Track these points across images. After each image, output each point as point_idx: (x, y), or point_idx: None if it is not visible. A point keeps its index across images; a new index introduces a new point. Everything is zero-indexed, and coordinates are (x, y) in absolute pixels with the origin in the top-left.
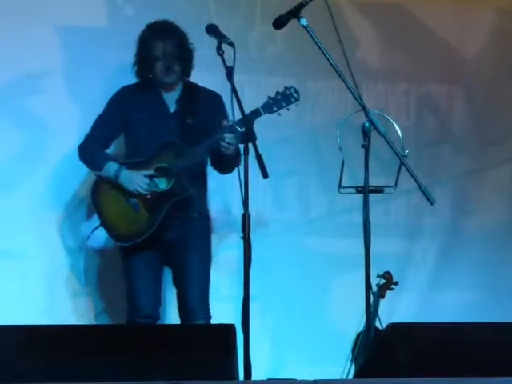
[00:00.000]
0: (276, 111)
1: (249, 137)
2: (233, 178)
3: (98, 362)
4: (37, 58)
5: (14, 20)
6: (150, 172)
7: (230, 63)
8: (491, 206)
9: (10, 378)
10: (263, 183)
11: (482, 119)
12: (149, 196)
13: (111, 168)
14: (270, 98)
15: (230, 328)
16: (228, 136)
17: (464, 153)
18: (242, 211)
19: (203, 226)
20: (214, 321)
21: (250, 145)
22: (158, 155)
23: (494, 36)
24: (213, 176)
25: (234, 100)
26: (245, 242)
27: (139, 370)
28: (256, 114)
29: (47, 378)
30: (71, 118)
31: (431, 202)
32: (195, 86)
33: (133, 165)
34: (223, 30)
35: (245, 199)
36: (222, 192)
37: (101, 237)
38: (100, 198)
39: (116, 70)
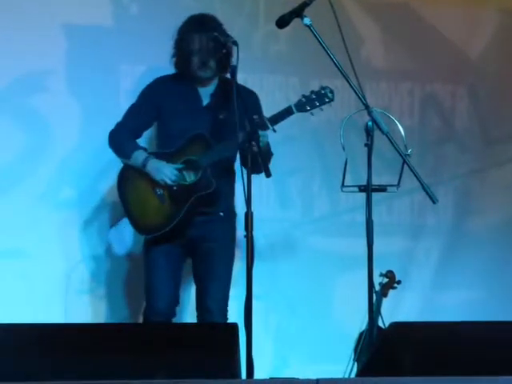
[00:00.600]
0: (309, 110)
1: (252, 136)
2: (236, 177)
3: (101, 361)
4: (40, 57)
5: (18, 19)
6: (179, 164)
7: (233, 62)
8: (494, 206)
9: (18, 376)
10: (266, 182)
11: (486, 119)
12: (175, 188)
13: (139, 156)
14: (303, 96)
15: (232, 327)
16: (261, 134)
17: (467, 152)
18: (245, 210)
19: (229, 226)
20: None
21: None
22: (187, 148)
23: (498, 36)
24: None
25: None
26: (247, 241)
27: (142, 369)
28: (288, 112)
29: (49, 376)
30: (74, 117)
31: (434, 201)
32: (232, 82)
33: (161, 155)
34: (227, 29)
35: (248, 198)
36: None
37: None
38: (126, 185)
39: (120, 69)
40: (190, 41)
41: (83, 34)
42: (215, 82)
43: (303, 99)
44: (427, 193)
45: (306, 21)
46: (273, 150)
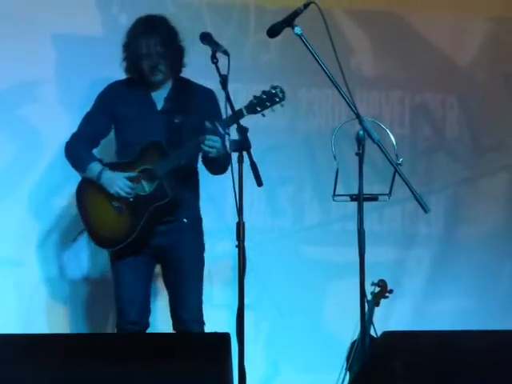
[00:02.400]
0: (260, 111)
1: (243, 145)
2: (227, 186)
3: (88, 371)
4: (30, 67)
5: (8, 28)
6: (133, 174)
7: (224, 72)
8: (486, 214)
9: None
10: (257, 191)
11: (477, 127)
12: (131, 199)
13: (94, 168)
14: (254, 97)
15: (224, 336)
16: (210, 138)
17: (458, 161)
18: (237, 219)
19: (194, 232)
20: (208, 329)
21: (245, 153)
22: (143, 156)
23: (488, 44)
24: (207, 184)
25: (228, 108)
26: (239, 251)
27: (133, 379)
28: (239, 114)
29: None
30: (64, 127)
31: (426, 210)
32: (187, 83)
33: (118, 166)
34: (217, 38)
35: (239, 207)
36: (215, 200)
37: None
38: (84, 199)
39: (110, 79)
40: (138, 44)
41: (73, 43)
42: (169, 84)
43: (254, 100)
44: (419, 202)
45: (297, 30)
46: (264, 158)
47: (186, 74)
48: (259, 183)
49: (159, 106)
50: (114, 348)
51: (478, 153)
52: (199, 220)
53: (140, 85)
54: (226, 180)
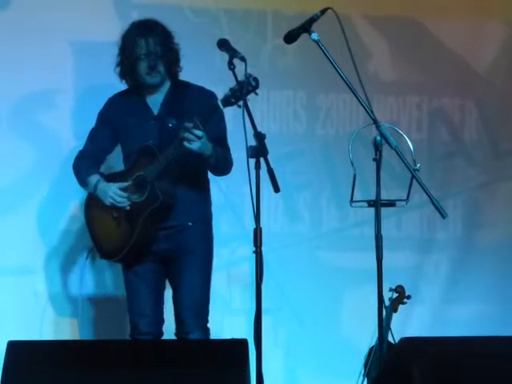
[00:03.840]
0: (235, 103)
1: (260, 151)
2: (245, 192)
3: (108, 377)
4: (48, 74)
5: (26, 36)
6: (126, 183)
7: (241, 78)
8: (504, 219)
9: None
10: (275, 197)
11: (495, 132)
12: (128, 208)
13: (91, 182)
14: (230, 89)
15: (242, 343)
16: (188, 132)
17: (476, 166)
18: (254, 225)
19: (200, 234)
20: (226, 335)
21: (262, 159)
22: (137, 163)
23: (506, 48)
24: (225, 190)
25: (246, 114)
26: (257, 256)
27: None
28: (215, 108)
29: None
30: (82, 134)
31: (443, 215)
32: (185, 86)
33: (114, 176)
34: (234, 44)
35: (256, 213)
36: (233, 206)
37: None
38: (90, 213)
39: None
40: (136, 45)
41: (91, 50)
42: (165, 88)
43: (229, 92)
44: (436, 207)
45: (314, 36)
46: (281, 164)
47: (202, 80)
48: (276, 189)
49: (155, 111)
50: (131, 354)
51: (496, 157)
52: (208, 224)
53: (137, 92)
54: (244, 186)
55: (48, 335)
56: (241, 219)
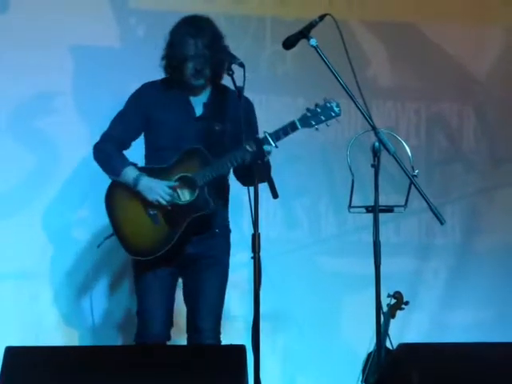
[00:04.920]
0: (314, 126)
1: (259, 156)
2: (243, 197)
3: (109, 383)
4: (48, 79)
5: (26, 40)
6: (173, 182)
7: (239, 83)
8: (502, 225)
9: None
10: (273, 203)
11: (493, 138)
12: (169, 208)
13: (130, 174)
14: (308, 110)
15: (240, 348)
16: (266, 144)
17: (475, 172)
18: (252, 231)
19: (224, 243)
20: (224, 341)
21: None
22: (182, 163)
23: (504, 54)
24: None
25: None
26: (255, 262)
27: None
28: (292, 127)
29: None
30: (82, 139)
31: (441, 221)
32: (226, 90)
33: (154, 171)
34: (233, 49)
35: (255, 219)
36: (232, 211)
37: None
38: (116, 204)
39: (128, 90)
40: (185, 44)
41: (90, 55)
42: (208, 90)
43: (308, 113)
44: (435, 213)
45: (313, 42)
46: (279, 170)
47: None
48: (275, 195)
49: (198, 111)
50: (130, 360)
51: (495, 164)
52: (229, 231)
53: (177, 88)
54: (242, 192)
55: (46, 341)
56: (239, 225)
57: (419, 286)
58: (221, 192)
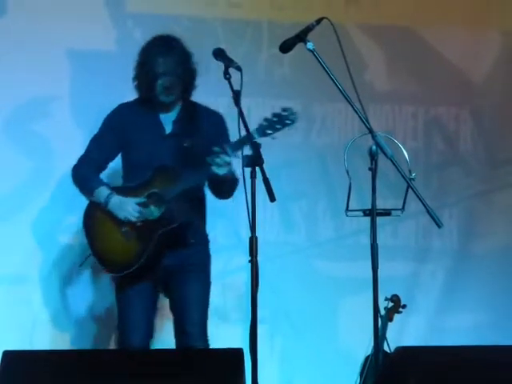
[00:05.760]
0: (270, 134)
1: (256, 160)
2: (240, 201)
3: None
4: (44, 83)
5: (22, 45)
6: (142, 199)
7: (237, 87)
8: (500, 228)
9: None
10: (271, 206)
11: (490, 141)
12: (139, 224)
13: (102, 193)
14: (265, 119)
15: (237, 352)
16: (220, 156)
17: (472, 175)
18: (250, 234)
19: (202, 252)
20: (221, 345)
21: (258, 168)
22: (152, 180)
23: (501, 58)
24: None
25: (241, 124)
26: (252, 265)
27: None
28: (249, 138)
29: None
30: (78, 143)
31: (439, 225)
32: (195, 106)
33: (125, 190)
34: (230, 53)
35: (252, 222)
36: (229, 215)
37: None
38: (91, 223)
39: (124, 94)
40: (156, 63)
41: (87, 59)
42: (178, 106)
43: (264, 123)
44: (432, 217)
45: (310, 45)
46: (277, 173)
47: (200, 89)
48: (272, 199)
49: (168, 129)
50: (127, 364)
51: (492, 167)
52: (207, 241)
53: (149, 106)
54: (240, 195)
55: (42, 345)
56: (236, 228)
57: (417, 290)
58: (195, 205)
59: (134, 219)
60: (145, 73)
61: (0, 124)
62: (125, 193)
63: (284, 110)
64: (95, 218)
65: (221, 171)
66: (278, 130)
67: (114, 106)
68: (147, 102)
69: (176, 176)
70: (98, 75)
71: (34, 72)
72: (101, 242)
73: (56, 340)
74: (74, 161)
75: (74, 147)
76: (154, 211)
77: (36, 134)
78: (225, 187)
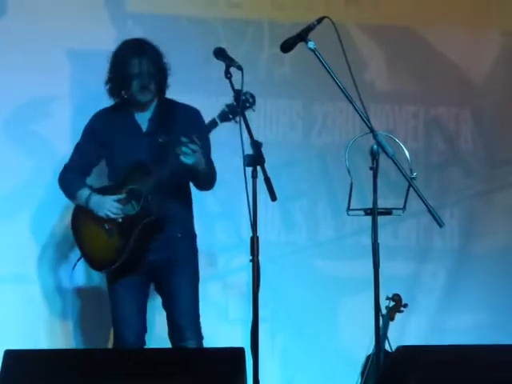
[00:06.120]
0: (232, 119)
1: (257, 159)
2: (241, 201)
3: None
4: (44, 82)
5: (23, 44)
6: (121, 195)
7: (238, 87)
8: (500, 228)
9: None
10: (272, 206)
11: (491, 141)
12: (120, 220)
13: (83, 194)
14: (226, 105)
15: (239, 351)
16: (185, 145)
17: (473, 175)
18: (251, 234)
19: (188, 246)
20: (223, 344)
21: (259, 168)
22: (129, 177)
23: (501, 58)
24: (221, 198)
25: (243, 123)
26: (253, 265)
27: None
28: (213, 124)
29: None
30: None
31: (440, 224)
32: (171, 103)
33: (106, 189)
34: (231, 53)
35: (253, 222)
36: (230, 214)
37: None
38: (79, 225)
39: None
40: (129, 64)
41: (87, 58)
42: (153, 105)
43: (226, 109)
44: (433, 216)
45: (311, 45)
46: (278, 173)
47: (198, 89)
48: (273, 198)
49: (144, 127)
50: (127, 363)
51: (493, 166)
52: (193, 236)
53: (123, 109)
54: (241, 194)
55: (43, 344)
56: (237, 228)
57: (418, 289)
58: (179, 199)
59: (113, 216)
60: (119, 74)
61: (0, 124)
62: (105, 192)
63: (243, 94)
64: (81, 220)
65: (188, 160)
66: (239, 113)
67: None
68: (122, 105)
69: (149, 171)
70: (98, 75)
71: (34, 72)
72: (87, 242)
73: (57, 338)
74: None
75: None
76: (134, 206)
77: (36, 133)
78: (200, 178)
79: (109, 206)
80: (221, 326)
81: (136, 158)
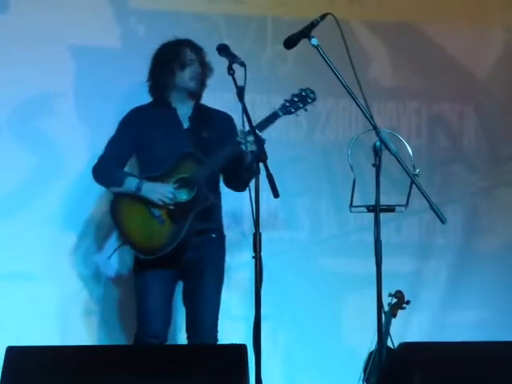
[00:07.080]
0: (294, 112)
1: (260, 156)
2: (244, 197)
3: (111, 383)
4: (48, 79)
5: (26, 40)
6: (171, 183)
7: (240, 83)
8: (504, 225)
9: None
10: (274, 202)
11: (494, 137)
12: (172, 207)
13: (132, 182)
14: (286, 100)
15: (241, 348)
16: (247, 137)
17: (476, 171)
18: (253, 230)
19: (220, 247)
20: (225, 341)
21: (261, 164)
22: (177, 167)
23: (505, 55)
24: (224, 195)
25: (245, 120)
26: (256, 262)
27: None
28: (274, 116)
29: None
30: (82, 139)
31: (442, 221)
32: (205, 107)
33: (153, 179)
34: (234, 49)
35: (256, 219)
36: (233, 211)
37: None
38: (121, 214)
39: (129, 90)
40: (183, 53)
41: (91, 55)
42: (191, 105)
43: (287, 103)
44: (436, 213)
45: (314, 41)
46: (281, 170)
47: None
48: (276, 194)
49: (185, 124)
50: (131, 360)
51: (496, 163)
52: (224, 237)
53: (164, 105)
54: (243, 192)
55: (50, 341)
56: (240, 224)
57: (420, 286)
58: (215, 193)
59: (168, 201)
60: (168, 64)
61: (4, 121)
62: (153, 181)
63: (303, 89)
64: (123, 208)
65: (250, 148)
66: (301, 108)
67: (118, 102)
68: (161, 101)
69: (201, 160)
70: (102, 72)
71: (37, 69)
72: (133, 230)
73: (64, 335)
74: (78, 157)
75: (79, 143)
76: (185, 194)
77: (40, 130)
78: (250, 172)
79: (164, 192)
80: (223, 323)
81: (181, 151)
